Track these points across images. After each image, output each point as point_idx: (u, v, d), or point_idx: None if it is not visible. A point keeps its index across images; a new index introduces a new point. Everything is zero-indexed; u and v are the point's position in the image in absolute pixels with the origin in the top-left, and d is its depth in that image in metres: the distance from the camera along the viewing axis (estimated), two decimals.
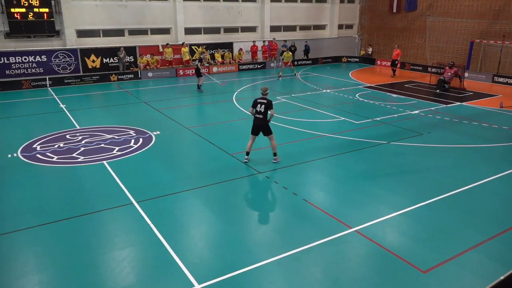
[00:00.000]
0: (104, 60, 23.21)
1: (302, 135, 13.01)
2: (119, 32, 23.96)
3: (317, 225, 7.58)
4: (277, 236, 7.28)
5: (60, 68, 22.12)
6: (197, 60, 19.73)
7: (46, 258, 6.61)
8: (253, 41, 27.62)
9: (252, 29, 28.66)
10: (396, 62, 24.96)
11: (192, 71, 24.85)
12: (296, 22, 30.41)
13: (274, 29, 29.24)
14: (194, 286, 5.86)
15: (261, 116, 10.13)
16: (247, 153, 10.59)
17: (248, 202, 8.79)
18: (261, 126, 10.24)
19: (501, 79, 22.92)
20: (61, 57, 22.02)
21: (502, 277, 3.98)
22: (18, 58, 21.01)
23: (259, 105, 10.10)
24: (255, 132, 10.38)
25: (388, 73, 25.14)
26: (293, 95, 19.22)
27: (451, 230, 7.43)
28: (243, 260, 6.48)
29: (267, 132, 10.34)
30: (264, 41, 28.18)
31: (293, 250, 6.74)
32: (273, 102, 10.38)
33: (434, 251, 6.75)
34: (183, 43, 24.99)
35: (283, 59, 24.18)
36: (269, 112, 10.13)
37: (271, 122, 10.38)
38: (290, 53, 24.46)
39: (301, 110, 16.29)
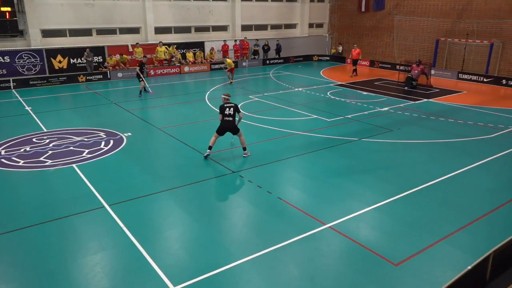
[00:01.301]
0: (72, 60, 22.56)
1: (276, 134, 13.07)
2: (86, 32, 23.35)
3: (292, 222, 7.64)
4: (252, 235, 7.28)
5: (24, 69, 21.34)
6: (138, 65, 19.20)
7: (15, 267, 6.37)
8: (224, 40, 27.53)
9: (223, 28, 28.55)
10: (358, 61, 25.34)
11: (164, 71, 24.61)
12: (267, 21, 30.50)
13: (245, 28, 29.23)
14: None
15: (231, 119, 10.59)
16: (210, 148, 10.73)
17: (222, 202, 8.76)
18: (230, 128, 10.67)
19: (465, 76, 23.76)
20: (26, 57, 21.24)
21: (469, 267, 4.13)
22: None
23: (227, 109, 10.56)
24: (222, 133, 10.77)
25: (358, 72, 25.52)
26: (265, 94, 19.27)
27: (423, 223, 7.64)
28: (219, 260, 6.44)
29: (236, 131, 10.77)
30: (235, 40, 28.14)
31: (269, 248, 6.76)
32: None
33: (406, 244, 6.92)
34: (159, 42, 24.67)
35: (226, 67, 22.34)
36: (238, 115, 10.70)
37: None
38: (230, 60, 22.71)
39: (274, 109, 16.36)
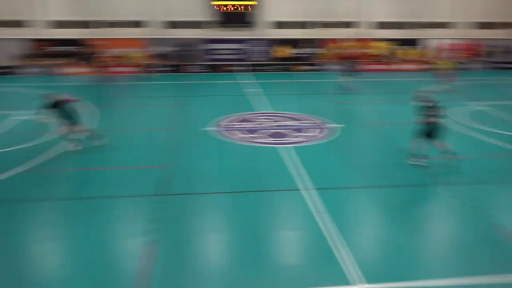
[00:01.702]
0: (293, 50, 24.61)
1: (501, 150, 11.15)
2: (307, 24, 24.94)
3: (509, 258, 6.39)
4: (456, 257, 6.44)
5: (254, 55, 24.39)
6: (350, 60, 18.65)
7: (225, 221, 7.46)
8: (448, 39, 25.00)
9: (445, 25, 25.83)
10: None
11: (376, 67, 24.18)
12: (500, 18, 26.01)
13: (472, 26, 25.78)
14: (352, 285, 5.63)
15: (435, 120, 9.53)
16: (423, 156, 9.87)
17: (426, 213, 8.13)
18: (435, 131, 9.57)
19: None
20: (256, 45, 24.23)
21: None
22: (221, 45, 24.11)
23: (435, 110, 9.55)
24: (427, 137, 9.65)
25: None
26: (492, 102, 16.65)
27: None
28: (410, 272, 5.96)
29: (440, 134, 9.63)
30: (462, 39, 25.21)
31: (472, 278, 5.83)
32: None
33: None
34: (375, 38, 24.62)
35: (441, 69, 19.20)
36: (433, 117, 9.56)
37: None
38: (447, 62, 19.59)
39: (499, 121, 13.99)
